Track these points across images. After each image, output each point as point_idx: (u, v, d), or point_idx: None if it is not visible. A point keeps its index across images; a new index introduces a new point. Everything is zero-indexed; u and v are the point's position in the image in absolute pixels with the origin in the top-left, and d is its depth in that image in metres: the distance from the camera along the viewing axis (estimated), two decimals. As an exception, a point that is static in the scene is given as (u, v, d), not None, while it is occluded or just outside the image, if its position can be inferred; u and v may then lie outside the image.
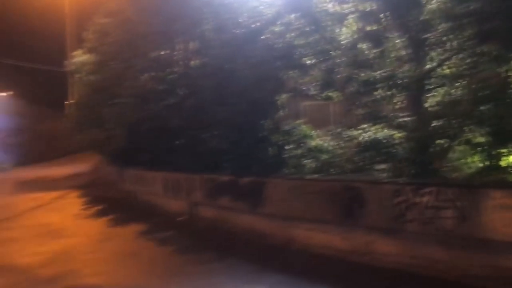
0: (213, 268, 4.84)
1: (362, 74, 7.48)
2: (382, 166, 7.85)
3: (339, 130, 9.21)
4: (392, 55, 7.44)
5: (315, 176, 7.87)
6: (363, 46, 7.50)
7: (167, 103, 10.02)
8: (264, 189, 5.69)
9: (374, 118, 7.90)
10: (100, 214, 8.61)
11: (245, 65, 8.41)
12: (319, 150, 9.57)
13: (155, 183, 8.87)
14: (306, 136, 9.83)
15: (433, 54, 6.84)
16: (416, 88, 6.79)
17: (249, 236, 5.90)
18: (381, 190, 4.50)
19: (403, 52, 7.28)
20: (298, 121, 10.54)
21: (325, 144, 9.69)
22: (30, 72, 29.12)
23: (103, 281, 4.57)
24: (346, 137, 8.85)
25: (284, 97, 9.42)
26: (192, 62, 10.17)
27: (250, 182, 6.07)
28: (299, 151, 9.54)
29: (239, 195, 6.23)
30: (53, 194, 11.73)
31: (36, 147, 28.84)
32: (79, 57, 13.26)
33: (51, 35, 22.50)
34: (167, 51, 10.41)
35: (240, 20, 8.43)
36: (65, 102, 32.24)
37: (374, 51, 7.35)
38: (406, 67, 7.15)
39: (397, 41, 7.32)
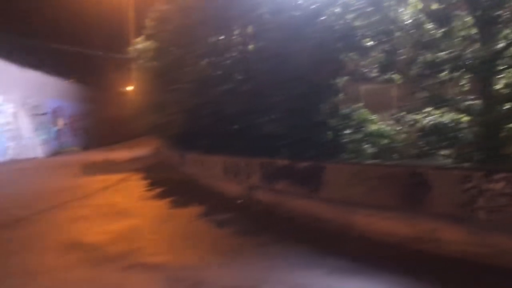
0: (272, 251, 4.86)
1: (427, 55, 7.18)
2: (447, 151, 7.55)
3: (400, 114, 8.93)
4: (459, 34, 7.07)
5: (377, 161, 7.72)
6: (428, 25, 7.18)
7: (224, 88, 10.13)
8: (323, 174, 5.62)
9: (439, 101, 7.58)
10: (161, 196, 8.89)
11: (303, 48, 8.30)
12: (379, 134, 9.34)
13: (214, 167, 9.04)
14: (365, 120, 9.62)
15: (504, 32, 6.44)
16: (485, 69, 6.42)
17: (306, 220, 5.87)
18: (449, 176, 4.31)
19: (471, 31, 6.91)
20: (356, 105, 10.32)
21: (386, 129, 9.44)
22: (95, 59, 30.45)
23: (166, 260, 4.72)
24: (408, 121, 8.57)
25: (342, 80, 9.25)
26: (249, 47, 10.19)
27: (308, 166, 6.01)
28: (358, 136, 9.36)
29: (297, 179, 6.21)
30: (118, 176, 12.28)
31: (101, 132, 30.28)
32: (140, 44, 13.67)
33: (114, 23, 23.31)
34: (225, 36, 10.48)
35: (299, 1, 8.32)
36: (127, 88, 33.60)
37: (440, 30, 7.02)
38: (474, 47, 6.77)
39: (464, 20, 6.94)
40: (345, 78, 9.30)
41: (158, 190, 9.59)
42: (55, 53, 25.49)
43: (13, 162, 18.58)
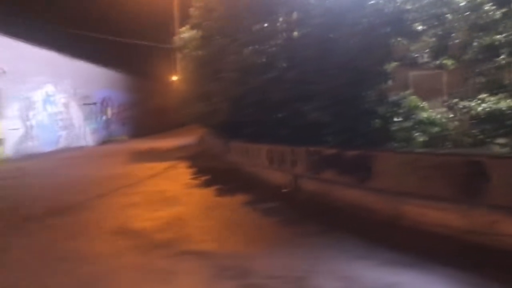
0: (320, 241, 4.78)
1: (484, 38, 6.82)
2: (504, 140, 7.17)
3: (453, 101, 8.57)
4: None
5: (430, 150, 7.44)
6: (486, 7, 6.80)
7: (269, 76, 10.05)
8: (372, 163, 5.46)
9: (495, 87, 7.21)
10: (207, 184, 8.97)
11: (350, 33, 8.11)
12: (429, 122, 9.02)
13: (259, 155, 9.01)
14: (415, 108, 9.31)
15: None
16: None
17: (355, 210, 5.74)
18: (510, 166, 4.06)
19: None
20: (406, 92, 9.99)
21: (437, 116, 9.10)
22: (141, 50, 31.08)
23: (213, 248, 4.75)
24: (461, 108, 8.20)
25: (391, 66, 8.97)
26: (294, 34, 10.05)
27: (357, 155, 5.85)
28: (407, 124, 9.07)
29: (345, 168, 6.06)
30: (165, 164, 12.52)
31: (147, 121, 31.01)
32: (185, 33, 13.78)
33: (160, 13, 23.64)
34: (269, 24, 10.38)
35: (346, -15, 8.10)
36: (173, 78, 34.16)
37: (499, 12, 6.63)
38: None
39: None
40: (394, 64, 9.02)
41: (204, 178, 9.69)
42: (103, 44, 26.20)
43: (65, 150, 19.37)
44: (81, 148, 20.63)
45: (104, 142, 23.36)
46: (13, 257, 4.79)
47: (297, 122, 9.20)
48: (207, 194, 7.96)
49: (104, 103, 24.60)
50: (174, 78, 35.56)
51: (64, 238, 5.45)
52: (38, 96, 18.39)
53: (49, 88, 19.17)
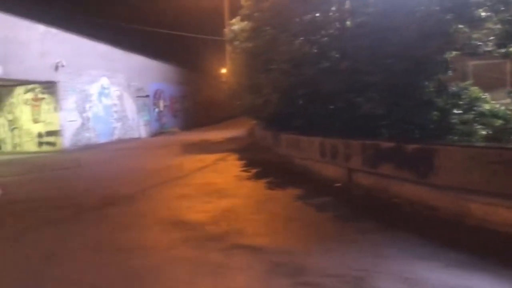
0: (378, 239, 4.56)
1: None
2: None
3: (521, 91, 8.00)
4: None
5: (494, 144, 6.97)
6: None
7: (321, 67, 9.84)
8: (435, 157, 5.14)
9: None
10: (258, 176, 8.89)
11: (407, 21, 7.73)
12: (492, 115, 8.52)
13: (311, 148, 8.82)
14: (476, 99, 8.81)
15: None
16: None
17: (415, 207, 5.45)
18: None
19: None
20: (466, 82, 9.48)
21: (500, 108, 8.59)
22: (192, 42, 31.46)
23: (266, 243, 4.64)
24: (531, 99, 7.65)
25: (451, 55, 8.50)
26: (347, 23, 9.74)
27: (417, 149, 5.54)
28: (468, 116, 8.61)
29: (403, 163, 5.77)
30: (215, 156, 12.58)
31: (198, 113, 31.43)
32: (235, 24, 13.72)
33: (210, 4, 23.72)
34: (321, 13, 10.13)
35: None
36: (223, 70, 34.37)
37: None
38: None
39: None
40: (454, 53, 8.53)
41: (254, 170, 9.62)
42: (155, 37, 26.72)
43: (119, 142, 19.97)
44: (134, 139, 21.19)
45: (156, 134, 23.89)
46: (69, 247, 4.90)
47: (350, 114, 8.94)
48: (258, 187, 7.87)
49: (156, 96, 25.13)
50: (224, 70, 35.81)
51: (118, 229, 5.54)
52: (94, 88, 19.02)
53: (104, 81, 19.78)
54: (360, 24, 9.06)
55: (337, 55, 9.69)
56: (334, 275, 3.66)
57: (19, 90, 17.60)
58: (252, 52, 11.78)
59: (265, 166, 10.16)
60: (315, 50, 10.07)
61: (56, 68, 16.45)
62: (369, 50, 8.30)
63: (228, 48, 20.14)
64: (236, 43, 13.90)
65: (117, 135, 20.52)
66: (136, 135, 22.11)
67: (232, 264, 4.07)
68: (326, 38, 10.12)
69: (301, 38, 10.20)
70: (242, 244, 4.64)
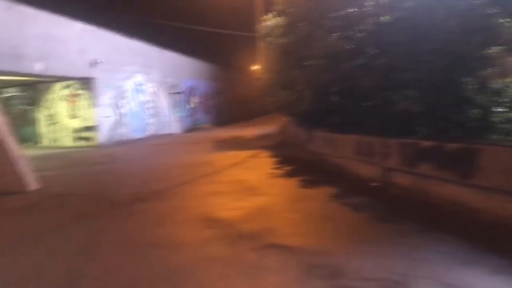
0: (418, 241, 4.37)
1: None
2: None
3: None
4: None
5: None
6: None
7: (356, 63, 9.60)
8: (477, 157, 4.90)
9: None
10: (290, 174, 8.76)
11: (447, 16, 7.42)
12: (539, 113, 8.10)
13: (345, 146, 8.63)
14: (520, 97, 8.39)
15: None
16: None
17: (456, 209, 5.22)
18: None
19: None
20: (508, 79, 9.07)
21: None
22: (225, 39, 31.54)
23: (301, 243, 4.53)
24: None
25: (494, 51, 8.12)
26: (383, 18, 9.47)
27: (459, 148, 5.30)
28: (510, 114, 8.23)
29: (443, 163, 5.53)
30: (247, 153, 12.52)
31: (230, 109, 31.51)
32: (269, 20, 13.59)
33: (242, 2, 23.67)
34: (357, 8, 9.89)
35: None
36: (255, 67, 34.33)
37: None
38: None
39: None
40: (498, 48, 8.15)
41: (287, 168, 9.50)
42: (188, 35, 26.90)
43: (152, 137, 20.22)
44: (167, 135, 21.40)
45: (189, 130, 24.08)
46: (103, 243, 4.93)
47: (387, 112, 8.69)
48: (291, 185, 7.76)
49: (189, 92, 25.31)
50: (256, 67, 35.75)
51: (152, 224, 5.55)
52: (129, 85, 19.31)
53: (139, 78, 20.05)
54: (397, 19, 8.78)
55: (373, 51, 9.43)
56: (372, 278, 3.52)
57: (58, 86, 18.05)
58: (286, 48, 11.63)
59: (298, 163, 10.02)
60: (351, 46, 9.85)
61: (93, 64, 16.77)
62: (407, 46, 8.04)
63: (261, 44, 20.03)
64: (270, 39, 13.77)
65: (150, 131, 20.78)
66: (169, 131, 22.33)
67: (266, 264, 3.98)
68: (362, 34, 9.87)
69: (337, 34, 9.98)
70: (276, 243, 4.54)
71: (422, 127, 8.26)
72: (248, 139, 17.65)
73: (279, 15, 12.66)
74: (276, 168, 9.57)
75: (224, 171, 9.66)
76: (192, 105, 25.80)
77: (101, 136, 17.42)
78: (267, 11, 14.73)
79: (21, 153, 8.37)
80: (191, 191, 7.64)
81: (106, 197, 7.50)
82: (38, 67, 13.94)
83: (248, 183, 8.00)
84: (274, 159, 11.01)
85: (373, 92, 9.06)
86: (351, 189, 7.03)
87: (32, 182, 8.32)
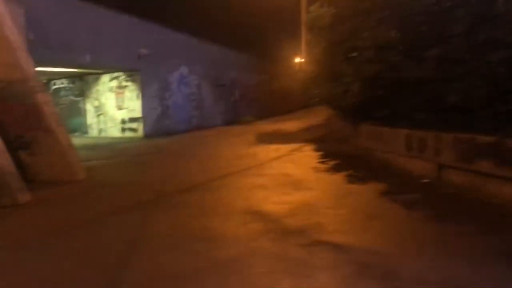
0: (477, 243, 4.08)
1: None
2: None
3: None
4: None
5: None
6: None
7: (407, 54, 9.22)
8: (545, 155, 4.53)
9: None
10: (336, 169, 8.53)
11: (509, 4, 6.97)
12: None
13: (395, 140, 8.29)
14: None
15: None
16: None
17: (518, 210, 4.86)
18: None
19: None
20: None
21: None
22: (267, 31, 31.35)
23: (350, 241, 4.33)
24: None
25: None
26: (439, 6, 9.02)
27: (523, 145, 4.93)
28: None
29: (506, 160, 5.17)
30: (290, 146, 12.34)
31: (272, 102, 31.35)
32: (314, 11, 13.28)
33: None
34: (408, -2, 9.47)
35: None
36: (297, 59, 33.96)
37: None
38: None
39: None
40: None
41: (332, 162, 9.26)
42: (231, 27, 26.87)
43: (196, 129, 20.37)
44: (210, 128, 21.52)
45: (231, 122, 24.12)
46: (149, 234, 4.92)
47: (440, 105, 8.30)
48: (337, 180, 7.52)
49: (232, 85, 25.32)
50: (299, 59, 35.35)
51: (196, 216, 5.50)
52: (173, 77, 19.49)
53: (184, 70, 20.21)
54: (454, 7, 8.35)
55: (427, 42, 9.02)
56: (431, 281, 3.29)
57: (105, 78, 18.46)
58: (333, 39, 11.32)
59: (343, 158, 9.76)
60: (401, 36, 9.46)
61: (139, 56, 17.02)
62: (463, 36, 7.63)
63: (306, 35, 19.71)
64: (315, 30, 13.46)
65: (194, 123, 20.95)
66: (212, 124, 22.45)
67: (315, 262, 3.82)
68: (414, 24, 9.46)
69: (387, 24, 9.61)
70: (323, 240, 4.38)
71: (479, 121, 7.83)
72: (291, 132, 17.45)
73: (325, 5, 12.34)
74: (321, 162, 9.35)
75: (267, 164, 9.53)
76: (235, 98, 25.82)
77: (147, 127, 17.70)
78: (312, 1, 14.41)
79: (71, 143, 8.56)
80: (235, 184, 7.56)
81: (152, 187, 7.55)
82: (87, 59, 14.28)
83: (293, 177, 7.83)
84: (318, 153, 10.77)
85: (424, 84, 8.68)
86: (401, 185, 6.73)
87: (80, 172, 8.50)
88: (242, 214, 5.49)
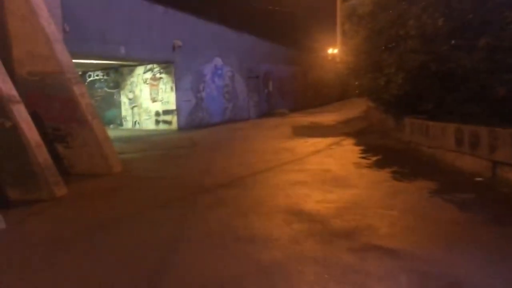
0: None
1: None
2: None
3: None
4: None
5: None
6: None
7: (455, 43, 8.71)
8: None
9: None
10: (380, 165, 8.13)
11: None
12: None
13: (443, 135, 7.82)
14: None
15: None
16: None
17: None
18: None
19: None
20: None
21: None
22: (302, 22, 30.80)
23: (404, 246, 3.99)
24: None
25: None
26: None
27: None
28: None
29: None
30: (328, 140, 11.96)
31: (307, 94, 30.88)
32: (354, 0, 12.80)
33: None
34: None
35: None
36: (331, 50, 33.29)
37: None
38: None
39: None
40: None
41: (374, 158, 8.85)
42: (265, 16, 26.46)
43: (230, 122, 20.20)
44: (244, 120, 21.31)
45: (265, 115, 23.82)
46: (189, 233, 4.71)
47: (493, 97, 7.79)
48: (382, 177, 7.13)
49: (266, 77, 24.99)
50: (334, 50, 34.65)
51: (236, 214, 5.26)
52: (207, 69, 19.33)
53: (218, 62, 20.02)
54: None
55: (476, 30, 8.47)
56: (505, 298, 2.93)
57: (139, 70, 18.48)
58: (374, 28, 10.83)
59: (386, 153, 9.33)
60: (449, 24, 8.91)
61: (174, 48, 16.92)
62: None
63: (341, 25, 19.19)
64: (354, 19, 12.96)
65: (228, 115, 20.78)
66: (245, 116, 22.22)
67: (369, 269, 3.50)
68: (461, 11, 8.90)
69: (433, 11, 9.08)
70: (375, 244, 4.05)
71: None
72: (327, 125, 17.00)
73: (366, -7, 11.84)
74: (363, 158, 8.95)
75: (306, 158, 9.21)
76: (269, 90, 25.47)
77: (181, 119, 17.63)
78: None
79: (107, 136, 8.48)
80: (274, 179, 7.28)
81: (189, 182, 7.37)
82: (122, 51, 14.25)
83: (334, 173, 7.50)
84: (359, 147, 10.35)
85: (475, 76, 8.18)
86: (452, 184, 6.30)
87: (116, 165, 8.42)
88: (285, 213, 5.22)
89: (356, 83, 12.72)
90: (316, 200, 5.75)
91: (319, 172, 7.67)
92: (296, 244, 4.15)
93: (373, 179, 7.00)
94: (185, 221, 5.12)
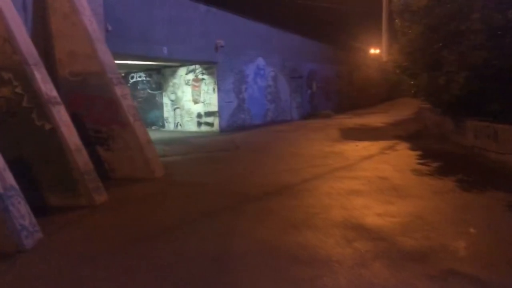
0: None
1: None
2: None
3: None
4: None
5: None
6: None
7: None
8: None
9: None
10: (441, 172, 7.41)
11: None
12: None
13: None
14: None
15: None
16: None
17: None
18: None
19: None
20: None
21: None
22: (348, 19, 29.93)
23: (491, 273, 3.39)
24: None
25: None
26: None
27: None
28: None
29: None
30: (381, 143, 11.23)
31: (352, 94, 29.97)
32: (406, -5, 12.00)
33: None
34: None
35: None
36: (378, 49, 32.16)
37: None
38: None
39: None
40: None
41: (435, 164, 8.10)
42: (309, 15, 25.78)
43: (272, 123, 19.67)
44: (286, 122, 20.75)
45: (308, 116, 23.15)
46: (236, 248, 4.24)
47: None
48: (446, 186, 6.43)
49: (309, 77, 24.31)
50: (376, 50, 33.54)
51: (287, 228, 4.76)
52: (250, 69, 18.91)
53: (260, 62, 19.56)
54: None
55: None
56: None
57: (182, 71, 18.28)
58: (430, 23, 10.04)
59: (447, 159, 8.55)
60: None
61: (216, 48, 16.59)
62: None
63: (387, 22, 18.33)
64: (407, 15, 12.15)
65: (270, 117, 20.27)
66: (288, 118, 21.65)
67: (455, 305, 2.91)
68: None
69: (502, 3, 8.28)
70: (456, 270, 3.46)
71: None
72: (377, 127, 16.17)
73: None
74: (421, 164, 8.21)
75: (358, 164, 8.57)
76: (312, 90, 24.77)
77: (222, 121, 17.28)
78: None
79: (149, 138, 8.17)
80: (325, 187, 6.70)
81: (233, 188, 6.92)
82: (164, 51, 14.02)
83: (391, 181, 6.85)
84: (415, 152, 9.57)
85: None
86: (532, 196, 5.54)
87: (159, 169, 8.10)
88: (343, 228, 4.66)
89: (412, 82, 11.91)
90: (377, 213, 5.16)
91: (375, 179, 7.04)
92: (361, 268, 3.60)
93: (436, 189, 6.30)
94: (232, 234, 4.67)
